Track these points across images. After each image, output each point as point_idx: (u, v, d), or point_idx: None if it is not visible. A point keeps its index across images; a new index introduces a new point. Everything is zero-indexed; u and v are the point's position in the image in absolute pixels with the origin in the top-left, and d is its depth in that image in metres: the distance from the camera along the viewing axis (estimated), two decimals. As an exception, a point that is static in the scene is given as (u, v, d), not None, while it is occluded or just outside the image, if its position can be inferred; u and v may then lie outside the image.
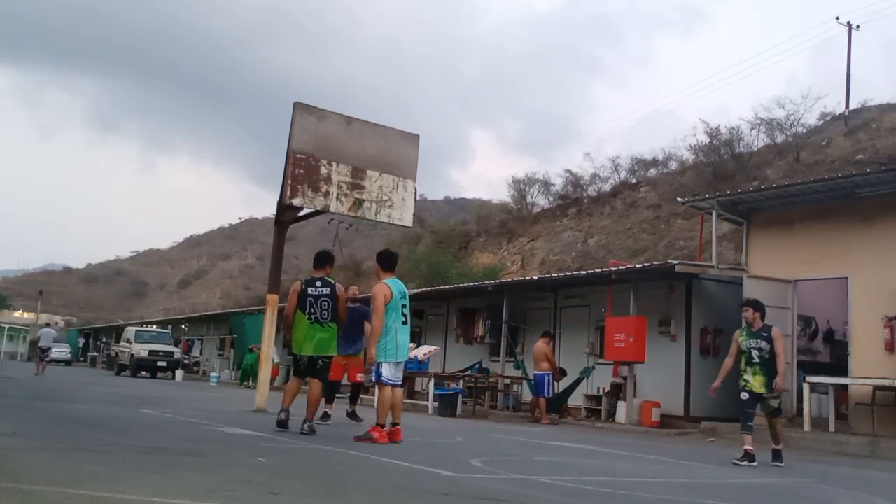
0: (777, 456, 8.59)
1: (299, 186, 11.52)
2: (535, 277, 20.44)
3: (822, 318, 16.39)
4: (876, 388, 11.91)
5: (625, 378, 14.87)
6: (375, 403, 7.75)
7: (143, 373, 29.49)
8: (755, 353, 8.45)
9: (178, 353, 31.45)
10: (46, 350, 25.34)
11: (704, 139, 28.46)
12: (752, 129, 28.12)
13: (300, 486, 4.56)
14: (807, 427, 12.16)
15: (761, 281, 14.05)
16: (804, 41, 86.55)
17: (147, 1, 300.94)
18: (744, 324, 8.85)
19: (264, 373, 12.46)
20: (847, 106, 28.55)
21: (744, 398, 8.52)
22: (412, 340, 21.07)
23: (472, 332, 20.08)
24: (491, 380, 17.62)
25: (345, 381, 11.32)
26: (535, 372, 15.17)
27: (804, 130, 27.73)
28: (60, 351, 46.16)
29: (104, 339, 49.78)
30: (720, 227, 16.54)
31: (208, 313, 43.84)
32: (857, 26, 29.57)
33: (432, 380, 16.77)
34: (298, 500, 4.12)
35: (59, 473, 4.27)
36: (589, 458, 8.16)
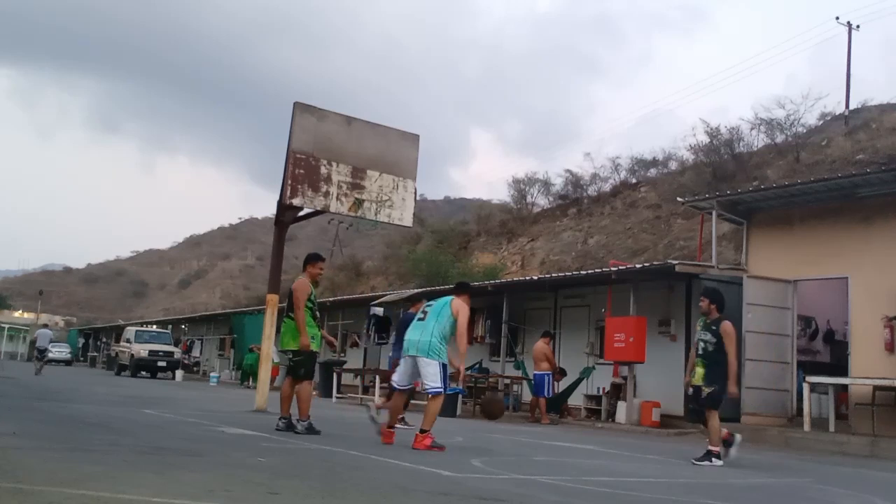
0: (707, 455, 7.92)
1: (299, 186, 11.52)
2: (535, 277, 20.44)
3: (822, 318, 16.40)
4: (876, 388, 11.91)
5: (625, 378, 14.87)
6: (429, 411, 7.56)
7: (143, 373, 29.48)
8: (700, 345, 8.23)
9: (178, 353, 31.45)
10: (44, 350, 26.05)
11: (704, 139, 28.47)
12: (752, 129, 28.13)
13: (300, 486, 4.56)
14: (807, 427, 12.16)
15: (761, 281, 14.06)
16: (804, 41, 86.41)
17: (147, 1, 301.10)
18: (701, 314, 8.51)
19: (264, 373, 12.46)
20: (847, 106, 28.55)
21: (689, 394, 8.25)
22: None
23: (472, 332, 20.07)
24: (491, 380, 17.62)
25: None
26: (535, 372, 15.17)
27: (804, 130, 27.72)
28: (60, 351, 46.18)
29: (104, 340, 49.78)
30: (720, 227, 16.54)
31: (208, 313, 43.85)
32: (857, 26, 29.53)
33: (432, 380, 16.75)
34: (298, 500, 4.12)
35: (59, 473, 4.26)
36: (589, 458, 8.16)
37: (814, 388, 12.51)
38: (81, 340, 56.64)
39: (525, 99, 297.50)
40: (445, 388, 7.42)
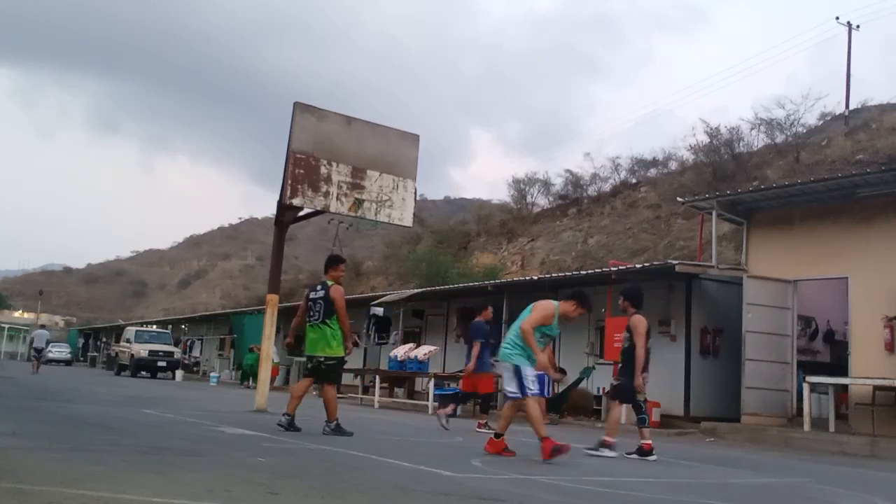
0: (602, 445, 8.05)
1: (299, 186, 11.52)
2: (535, 277, 20.44)
3: (822, 318, 16.40)
4: (876, 388, 11.92)
5: (625, 378, 14.85)
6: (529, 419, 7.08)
7: (143, 373, 29.49)
8: (624, 342, 8.43)
9: (178, 353, 31.46)
10: (41, 350, 26.74)
11: (704, 139, 28.50)
12: (752, 129, 28.15)
13: (300, 486, 4.56)
14: (807, 427, 12.17)
15: (761, 281, 14.06)
16: (804, 41, 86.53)
17: (147, 1, 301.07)
18: None
19: (264, 373, 12.46)
20: (847, 106, 28.57)
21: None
22: (412, 340, 21.21)
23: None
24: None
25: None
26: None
27: (804, 130, 27.73)
28: (60, 351, 46.19)
29: (104, 339, 49.79)
30: (720, 227, 16.55)
31: (208, 313, 43.86)
32: (857, 26, 29.57)
33: (432, 380, 16.78)
34: (298, 500, 4.12)
35: (59, 473, 4.26)
36: (589, 459, 8.16)
37: (814, 388, 12.51)
38: (81, 340, 56.66)
39: (525, 99, 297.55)
40: (523, 392, 6.93)
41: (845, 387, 12.66)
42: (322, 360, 8.25)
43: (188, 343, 38.80)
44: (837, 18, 29.41)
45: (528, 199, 38.25)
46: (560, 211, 34.88)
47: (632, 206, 30.72)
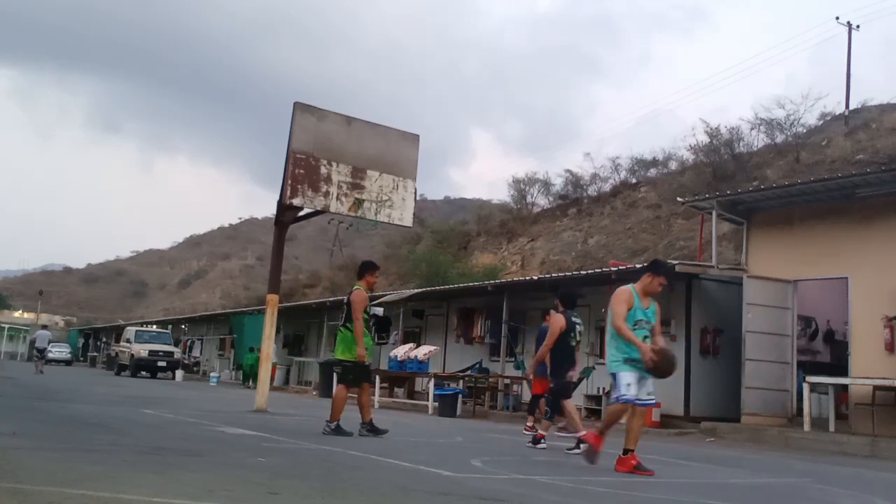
0: (581, 442, 8.00)
1: (299, 186, 11.52)
2: (535, 277, 20.44)
3: (822, 318, 16.40)
4: (876, 388, 11.91)
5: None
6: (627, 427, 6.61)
7: (143, 373, 29.50)
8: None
9: (178, 353, 31.47)
10: (43, 350, 27.62)
11: (704, 139, 28.47)
12: (752, 129, 28.14)
13: (300, 486, 4.56)
14: (807, 427, 12.16)
15: (761, 281, 14.06)
16: (804, 41, 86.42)
17: (147, 1, 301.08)
18: None
19: (264, 373, 12.47)
20: (847, 106, 28.56)
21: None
22: (412, 340, 21.21)
23: (472, 332, 20.08)
24: (491, 380, 17.62)
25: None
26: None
27: (804, 130, 27.72)
28: (60, 351, 46.18)
29: (104, 339, 49.79)
30: (720, 227, 16.54)
31: (208, 313, 43.85)
32: (857, 26, 29.54)
33: (432, 380, 16.78)
34: (298, 500, 4.12)
35: (59, 473, 4.27)
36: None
37: (814, 388, 12.51)
38: (81, 340, 56.65)
39: (525, 99, 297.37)
40: (617, 397, 6.54)
41: (845, 387, 12.66)
42: (338, 362, 8.35)
43: (188, 343, 38.79)
44: (837, 18, 29.42)
45: (528, 199, 38.26)
46: (560, 211, 34.88)
47: (632, 206, 30.72)
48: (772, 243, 14.77)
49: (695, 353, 14.79)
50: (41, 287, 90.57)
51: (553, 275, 21.84)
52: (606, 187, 33.81)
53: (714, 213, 15.17)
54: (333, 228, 13.24)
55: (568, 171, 36.40)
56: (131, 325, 39.31)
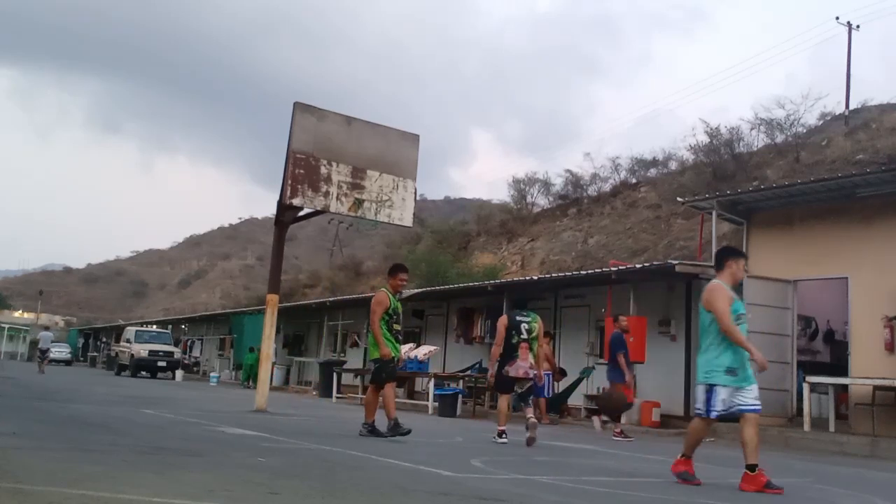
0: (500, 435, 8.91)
1: (299, 186, 11.52)
2: (535, 277, 20.44)
3: (822, 318, 16.39)
4: (876, 388, 11.91)
5: (625, 378, 14.85)
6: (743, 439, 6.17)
7: (143, 373, 29.50)
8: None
9: (178, 353, 31.46)
10: (45, 351, 28.17)
11: (704, 139, 28.44)
12: (751, 129, 28.10)
13: (300, 486, 4.56)
14: (807, 427, 12.16)
15: (761, 281, 14.05)
16: (804, 41, 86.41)
17: (147, 1, 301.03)
18: None
19: (264, 373, 12.46)
20: (847, 106, 28.55)
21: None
22: (412, 340, 21.20)
23: (472, 332, 20.08)
24: (490, 380, 17.61)
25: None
26: (542, 371, 15.19)
27: (804, 130, 27.71)
28: (60, 351, 46.18)
29: (104, 339, 49.77)
30: (720, 227, 16.53)
31: (208, 313, 43.84)
32: (857, 26, 29.53)
33: (432, 380, 16.78)
34: (298, 500, 4.12)
35: (59, 473, 4.26)
36: (589, 458, 8.17)
37: (814, 388, 12.51)
38: (81, 340, 56.63)
39: (525, 99, 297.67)
40: (707, 410, 6.22)
41: (845, 387, 12.65)
42: (374, 363, 8.43)
43: (188, 343, 38.79)
44: (837, 18, 29.41)
45: (528, 199, 38.23)
46: (560, 211, 34.86)
47: (632, 206, 30.70)
48: (772, 243, 14.77)
49: (695, 353, 14.77)
50: (41, 287, 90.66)
51: (553, 275, 21.84)
52: (606, 187, 33.79)
53: (714, 213, 15.17)
54: (333, 228, 13.24)
55: (568, 171, 36.40)
56: (131, 325, 39.30)
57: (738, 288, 6.30)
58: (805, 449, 11.28)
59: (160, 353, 29.63)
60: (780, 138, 27.65)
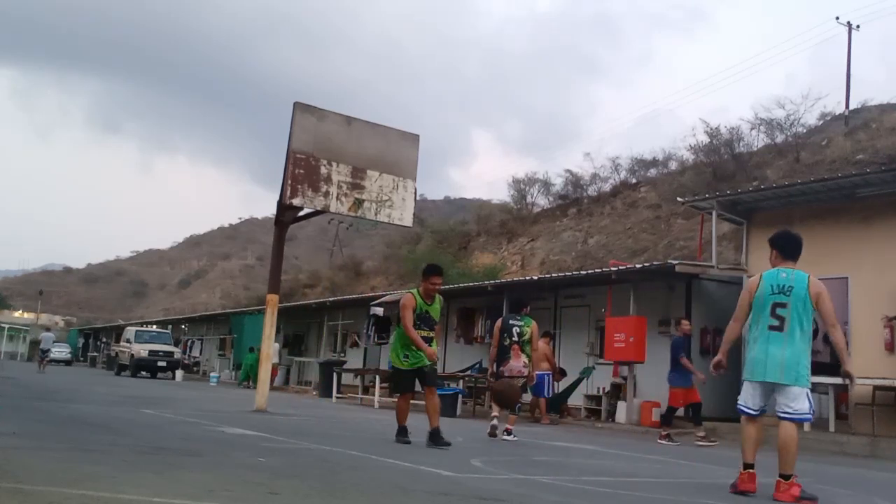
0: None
1: (299, 186, 11.52)
2: (535, 277, 20.44)
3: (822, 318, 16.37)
4: (876, 388, 11.92)
5: (625, 378, 14.87)
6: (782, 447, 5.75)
7: (143, 373, 29.50)
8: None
9: (178, 353, 31.46)
10: (46, 351, 28.77)
11: (704, 139, 28.49)
12: (751, 129, 28.14)
13: (300, 486, 4.56)
14: (807, 427, 12.14)
15: (761, 281, 14.05)
16: (804, 41, 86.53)
17: (147, 1, 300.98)
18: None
19: (264, 373, 12.46)
20: (847, 106, 28.57)
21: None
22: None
23: (472, 332, 20.08)
24: (490, 379, 17.61)
25: None
26: (535, 372, 15.17)
27: (804, 130, 27.73)
28: (60, 351, 46.18)
29: (104, 340, 49.77)
30: (720, 227, 16.54)
31: (208, 313, 43.85)
32: (857, 26, 29.59)
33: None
34: (298, 500, 4.12)
35: (59, 473, 4.26)
36: (589, 458, 8.17)
37: (814, 388, 12.47)
38: (81, 340, 56.62)
39: (525, 99, 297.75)
40: (811, 415, 5.79)
41: (845, 387, 12.65)
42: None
43: (188, 343, 38.78)
44: (837, 18, 29.46)
45: (528, 199, 38.26)
46: (560, 211, 34.87)
47: (632, 206, 30.71)
48: (772, 243, 14.76)
49: (695, 353, 14.79)
50: (41, 287, 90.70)
51: (553, 275, 21.84)
52: (606, 187, 33.81)
53: (714, 213, 15.17)
54: (333, 228, 13.25)
55: (568, 171, 36.44)
56: (131, 325, 39.30)
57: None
58: (805, 449, 11.23)
59: (160, 354, 29.62)
60: (780, 138, 27.67)
